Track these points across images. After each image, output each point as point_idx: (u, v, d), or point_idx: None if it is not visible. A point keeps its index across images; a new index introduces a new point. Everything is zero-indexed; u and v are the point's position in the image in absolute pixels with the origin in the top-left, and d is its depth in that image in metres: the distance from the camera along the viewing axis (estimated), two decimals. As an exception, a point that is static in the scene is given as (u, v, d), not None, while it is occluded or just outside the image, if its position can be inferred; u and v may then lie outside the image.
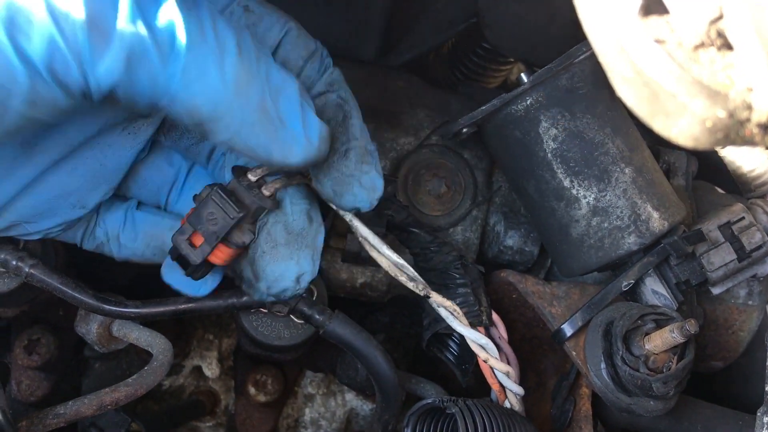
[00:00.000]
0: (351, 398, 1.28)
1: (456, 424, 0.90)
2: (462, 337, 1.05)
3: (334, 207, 0.88)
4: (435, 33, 1.31)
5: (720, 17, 0.40)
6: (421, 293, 0.96)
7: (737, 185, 1.14)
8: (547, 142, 0.99)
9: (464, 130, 1.03)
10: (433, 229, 1.11)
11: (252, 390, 1.23)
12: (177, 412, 1.25)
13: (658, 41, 0.41)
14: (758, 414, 0.91)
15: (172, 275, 0.87)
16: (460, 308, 1.00)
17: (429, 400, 0.95)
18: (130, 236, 0.88)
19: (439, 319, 1.01)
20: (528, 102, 0.99)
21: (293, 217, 0.84)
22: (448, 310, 0.97)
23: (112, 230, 0.88)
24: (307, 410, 1.28)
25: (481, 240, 1.16)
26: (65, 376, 1.22)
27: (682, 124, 0.42)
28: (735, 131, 0.43)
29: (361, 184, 0.85)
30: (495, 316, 1.02)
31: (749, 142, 0.44)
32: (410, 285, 0.95)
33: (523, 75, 1.02)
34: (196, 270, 0.82)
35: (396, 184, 1.03)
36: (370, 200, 0.86)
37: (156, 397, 1.27)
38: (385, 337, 1.35)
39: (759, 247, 1.00)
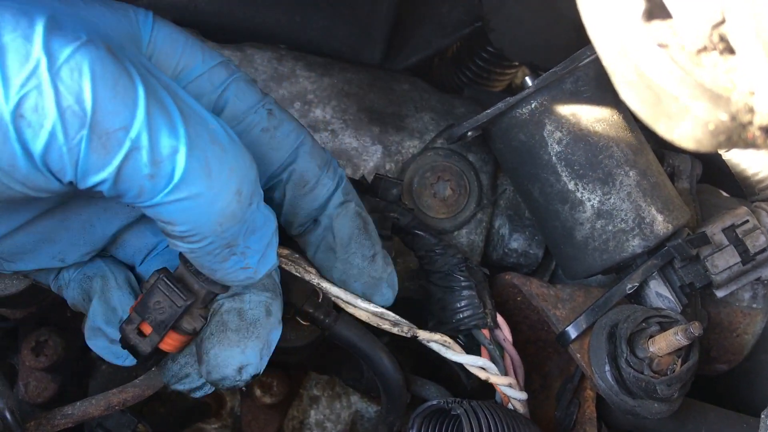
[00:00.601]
0: (356, 400, 1.28)
1: (461, 425, 0.91)
2: (467, 338, 1.05)
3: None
4: (440, 37, 1.32)
5: (722, 21, 0.41)
6: (408, 335, 0.96)
7: (741, 188, 1.14)
8: (551, 145, 1.00)
9: (469, 133, 1.04)
10: (438, 232, 1.11)
11: (257, 392, 1.23)
12: (183, 414, 1.25)
13: (661, 45, 0.41)
14: (762, 416, 0.91)
15: (96, 342, 0.84)
16: (465, 310, 1.01)
17: (434, 402, 0.96)
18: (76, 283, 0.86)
19: (444, 321, 1.01)
20: (533, 105, 1.00)
21: (250, 306, 0.82)
22: (438, 343, 0.97)
23: (70, 276, 0.86)
24: (312, 412, 1.28)
25: (485, 243, 1.17)
26: (72, 377, 1.23)
27: (685, 127, 0.43)
28: (737, 134, 0.44)
29: (389, 284, 0.94)
30: (500, 319, 1.03)
31: (751, 144, 0.44)
32: (395, 330, 0.95)
33: (527, 78, 1.03)
34: (146, 359, 0.80)
35: (401, 187, 1.03)
36: (394, 297, 0.95)
37: (162, 399, 1.28)
38: (389, 339, 1.35)
39: (763, 250, 1.00)
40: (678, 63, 0.41)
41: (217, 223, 0.68)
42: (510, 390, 1.00)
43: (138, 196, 0.64)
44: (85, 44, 0.61)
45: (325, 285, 0.92)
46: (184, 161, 0.64)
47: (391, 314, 0.95)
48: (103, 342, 0.83)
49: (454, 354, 0.97)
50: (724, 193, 1.20)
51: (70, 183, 0.64)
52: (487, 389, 1.05)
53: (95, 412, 0.88)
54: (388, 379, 0.96)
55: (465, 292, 1.01)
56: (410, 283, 1.15)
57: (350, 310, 0.93)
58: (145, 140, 0.62)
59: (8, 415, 0.87)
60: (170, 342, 0.79)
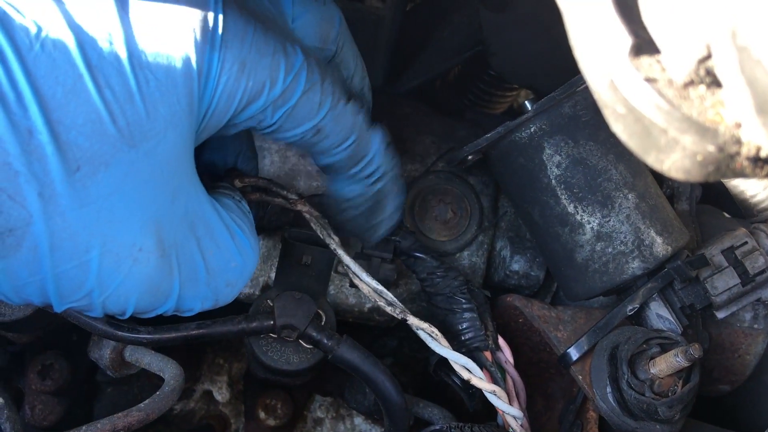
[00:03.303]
0: (360, 422, 1.28)
1: (463, 448, 0.91)
2: (469, 361, 1.06)
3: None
4: (441, 60, 1.34)
5: (708, 56, 0.42)
6: (399, 317, 0.98)
7: (740, 210, 1.15)
8: (551, 168, 1.01)
9: (469, 157, 1.05)
10: (439, 254, 1.12)
11: (262, 414, 1.24)
12: (187, 437, 1.26)
13: (649, 80, 0.43)
14: (764, 438, 0.92)
15: None
16: (467, 332, 1.02)
17: (436, 427, 0.96)
18: None
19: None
20: (532, 129, 1.01)
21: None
22: (426, 332, 0.99)
23: None
24: (316, 434, 1.28)
25: (487, 265, 1.17)
26: (78, 400, 1.24)
27: (674, 159, 0.44)
28: (725, 164, 0.45)
29: (380, 236, 1.00)
30: (501, 341, 1.03)
31: (740, 174, 0.46)
32: (388, 309, 0.98)
33: (527, 102, 1.04)
34: None
35: (403, 211, 1.04)
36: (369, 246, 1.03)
37: (167, 422, 1.28)
38: (393, 361, 1.35)
39: (762, 272, 1.01)
40: (666, 97, 0.42)
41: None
42: (496, 399, 1.00)
43: None
44: (136, 263, 0.68)
45: (340, 252, 0.98)
46: (199, 309, 0.79)
47: (389, 294, 0.99)
48: None
49: (439, 346, 0.98)
50: (726, 214, 1.21)
51: None
52: (490, 412, 1.06)
53: (100, 436, 0.89)
54: (390, 401, 0.97)
55: (466, 315, 1.02)
56: (412, 306, 1.16)
57: (356, 281, 0.99)
58: (172, 310, 0.76)
59: (14, 439, 0.88)
60: None
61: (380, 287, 0.99)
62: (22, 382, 1.20)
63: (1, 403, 0.90)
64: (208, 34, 0.68)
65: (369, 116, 0.87)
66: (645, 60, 0.43)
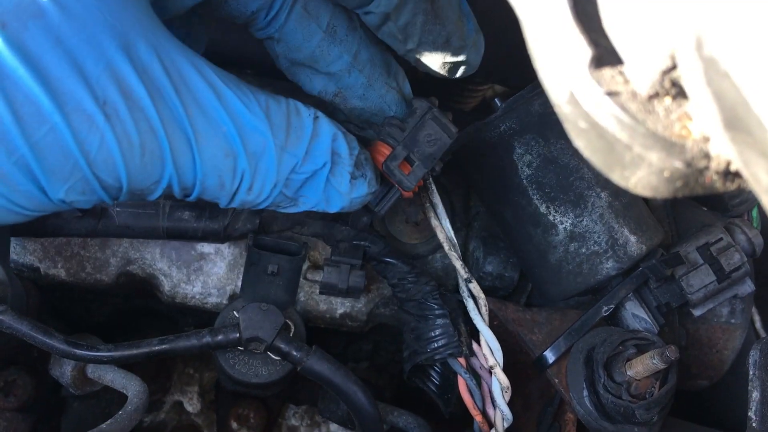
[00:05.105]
0: (335, 429, 1.26)
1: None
2: (443, 366, 1.04)
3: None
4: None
5: (673, 67, 0.39)
6: (465, 275, 0.99)
7: (715, 204, 1.13)
8: (521, 168, 0.98)
9: (438, 158, 1.02)
10: (411, 258, 1.10)
11: (234, 424, 1.21)
12: (159, 449, 1.23)
13: (611, 93, 0.40)
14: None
15: None
16: (440, 339, 0.99)
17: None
18: None
19: (419, 351, 1.00)
20: (501, 129, 0.98)
21: None
22: (476, 302, 0.99)
23: None
24: (291, 442, 1.26)
25: (460, 266, 1.15)
26: (44, 416, 1.20)
27: (640, 175, 0.41)
28: (694, 179, 0.42)
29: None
30: (475, 346, 1.01)
31: (710, 188, 0.43)
32: (458, 264, 0.99)
33: (496, 100, 1.02)
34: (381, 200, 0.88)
35: (371, 215, 1.01)
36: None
37: (137, 435, 1.25)
38: (369, 365, 1.33)
39: (738, 268, 0.99)
40: (629, 111, 0.40)
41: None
42: (500, 396, 0.97)
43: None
44: (109, 119, 0.64)
45: (433, 187, 0.99)
46: (201, 186, 0.74)
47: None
48: None
49: (481, 322, 0.98)
50: (701, 207, 1.19)
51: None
52: (467, 416, 1.03)
53: (62, 459, 0.86)
54: (363, 413, 0.94)
55: (439, 321, 0.99)
56: (385, 309, 1.13)
57: (434, 222, 0.99)
58: (174, 182, 0.72)
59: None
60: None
61: (456, 241, 1.00)
62: (-16, 401, 1.16)
63: (-42, 426, 0.86)
64: None
65: None
66: (607, 72, 0.40)
